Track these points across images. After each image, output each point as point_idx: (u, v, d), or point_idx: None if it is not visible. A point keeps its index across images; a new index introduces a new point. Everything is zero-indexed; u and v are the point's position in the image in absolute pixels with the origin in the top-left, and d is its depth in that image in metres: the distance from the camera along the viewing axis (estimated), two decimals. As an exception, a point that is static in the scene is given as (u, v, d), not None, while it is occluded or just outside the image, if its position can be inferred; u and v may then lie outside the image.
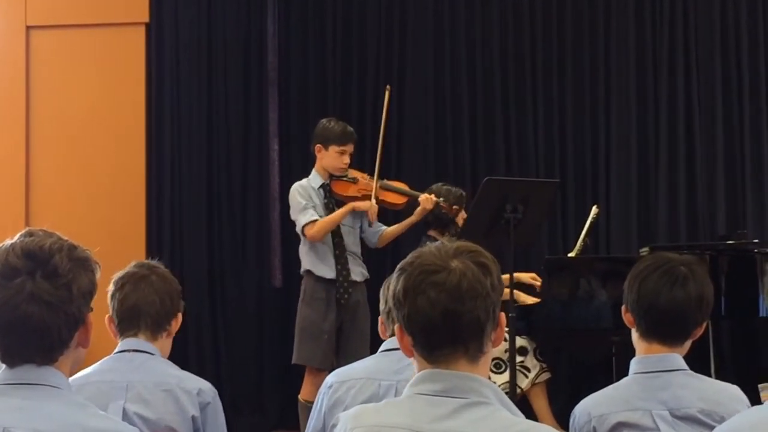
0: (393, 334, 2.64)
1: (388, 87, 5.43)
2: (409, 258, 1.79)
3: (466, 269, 1.73)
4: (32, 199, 6.35)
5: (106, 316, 2.68)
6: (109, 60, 6.39)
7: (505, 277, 4.30)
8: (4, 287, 1.71)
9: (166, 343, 2.74)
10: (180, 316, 2.75)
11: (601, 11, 6.35)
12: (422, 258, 1.76)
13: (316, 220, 5.08)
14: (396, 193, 5.33)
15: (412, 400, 1.75)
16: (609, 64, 6.34)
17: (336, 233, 5.19)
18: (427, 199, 5.18)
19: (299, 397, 5.11)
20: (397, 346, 2.60)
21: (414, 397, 1.75)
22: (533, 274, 5.37)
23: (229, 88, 6.46)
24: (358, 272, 5.21)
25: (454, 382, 1.73)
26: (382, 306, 2.67)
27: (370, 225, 5.30)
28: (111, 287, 2.68)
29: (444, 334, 1.73)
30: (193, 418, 2.59)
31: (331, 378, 2.76)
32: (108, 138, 6.34)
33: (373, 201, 5.17)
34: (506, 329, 4.97)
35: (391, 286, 1.79)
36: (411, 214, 5.29)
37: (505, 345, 5.05)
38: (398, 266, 1.80)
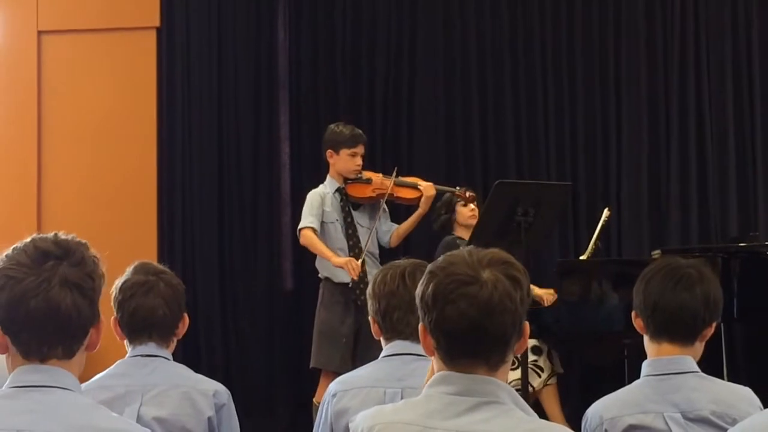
0: (388, 336, 2.64)
1: (396, 168, 5.29)
2: (440, 262, 1.78)
3: (497, 282, 1.72)
4: (44, 203, 6.36)
5: (112, 317, 2.68)
6: (120, 64, 6.39)
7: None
8: (36, 270, 1.72)
9: (172, 345, 2.76)
10: (186, 318, 2.76)
11: (611, 12, 6.33)
12: (454, 266, 1.75)
13: (310, 227, 5.09)
14: (411, 188, 5.31)
15: (428, 399, 1.78)
16: (619, 67, 6.32)
17: (352, 236, 5.19)
18: (428, 187, 5.20)
19: (314, 400, 5.08)
20: (398, 351, 2.61)
21: (430, 396, 1.78)
22: (551, 291, 5.25)
23: (240, 92, 6.46)
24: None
25: (470, 384, 1.75)
26: (370, 306, 2.66)
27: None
28: (116, 293, 2.67)
29: (468, 346, 1.75)
30: (209, 419, 2.63)
31: (334, 386, 2.73)
32: (119, 142, 6.35)
33: (350, 260, 4.96)
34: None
35: (420, 288, 1.78)
36: (430, 210, 5.31)
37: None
38: (428, 268, 1.79)
